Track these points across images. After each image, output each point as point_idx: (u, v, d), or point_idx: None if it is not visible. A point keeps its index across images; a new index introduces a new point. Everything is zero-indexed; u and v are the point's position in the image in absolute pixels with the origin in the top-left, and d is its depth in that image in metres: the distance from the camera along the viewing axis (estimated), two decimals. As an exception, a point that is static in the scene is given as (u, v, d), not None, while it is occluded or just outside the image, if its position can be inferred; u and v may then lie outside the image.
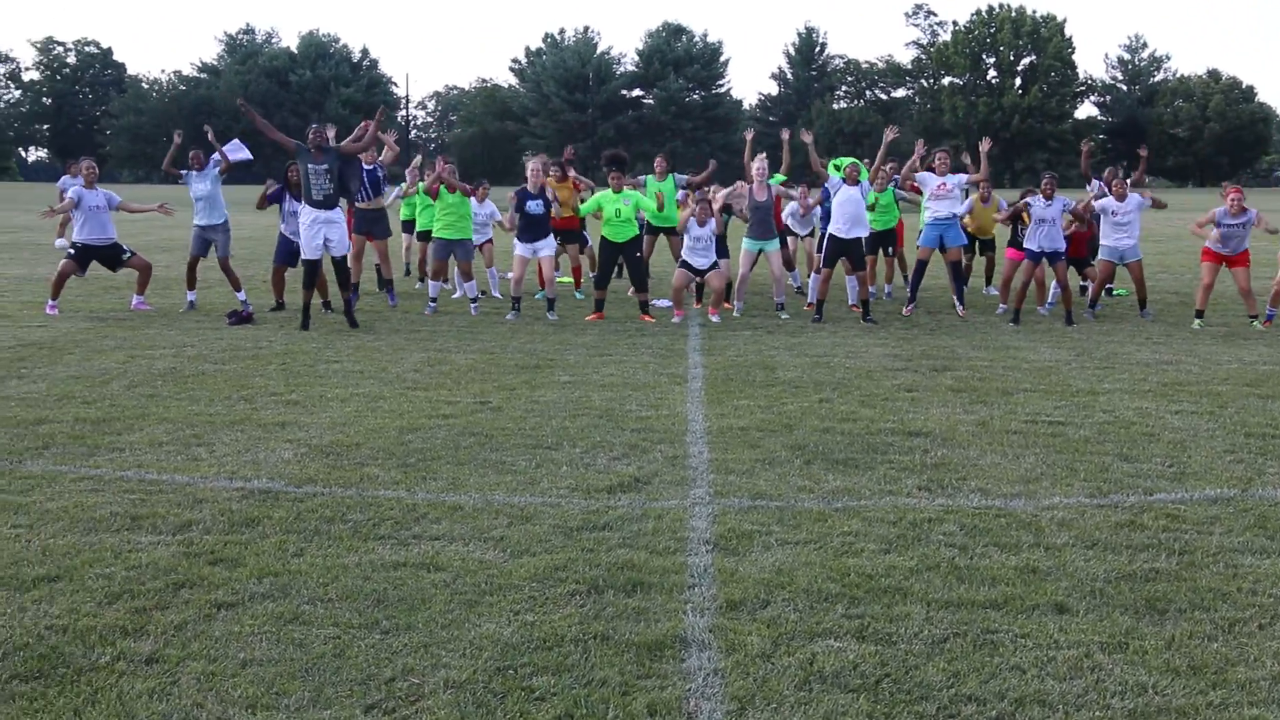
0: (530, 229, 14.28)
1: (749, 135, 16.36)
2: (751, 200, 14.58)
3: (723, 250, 14.72)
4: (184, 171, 14.76)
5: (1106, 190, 15.21)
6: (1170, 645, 4.58)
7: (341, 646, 4.54)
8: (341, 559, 5.50)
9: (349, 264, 13.88)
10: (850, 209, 13.73)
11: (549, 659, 4.45)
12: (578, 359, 11.14)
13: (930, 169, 14.92)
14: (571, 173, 16.43)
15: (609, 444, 7.76)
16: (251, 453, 7.45)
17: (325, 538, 5.81)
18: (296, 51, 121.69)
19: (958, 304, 14.75)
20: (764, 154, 14.85)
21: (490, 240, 16.55)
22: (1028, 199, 14.03)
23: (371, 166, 15.16)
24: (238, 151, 15.05)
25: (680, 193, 15.99)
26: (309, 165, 12.91)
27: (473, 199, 15.20)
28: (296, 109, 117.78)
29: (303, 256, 13.24)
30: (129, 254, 14.39)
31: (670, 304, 14.69)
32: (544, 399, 9.23)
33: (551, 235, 14.67)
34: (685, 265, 14.11)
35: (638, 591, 5.12)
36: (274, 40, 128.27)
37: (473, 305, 14.57)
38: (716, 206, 14.34)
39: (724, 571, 5.36)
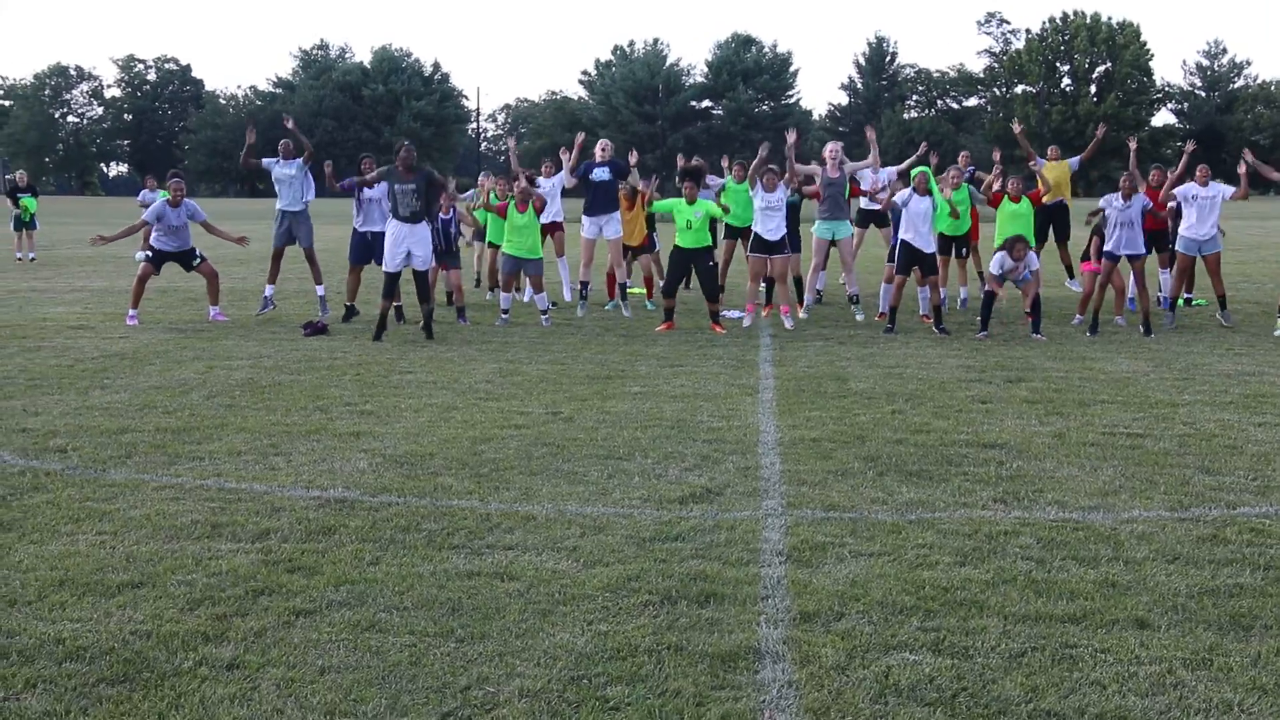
0: (597, 200, 14.35)
1: (791, 136, 16.10)
2: (825, 177, 14.62)
3: (795, 242, 14.68)
4: (266, 161, 15.15)
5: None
6: (1256, 662, 4.48)
7: (418, 655, 4.58)
8: (416, 568, 5.55)
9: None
10: (921, 219, 13.68)
11: (623, 669, 4.46)
12: (649, 370, 11.16)
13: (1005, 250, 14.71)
14: (641, 185, 16.46)
15: (680, 455, 7.76)
16: (327, 462, 7.55)
17: (400, 547, 5.87)
18: (369, 66, 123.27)
19: (1035, 334, 14.34)
20: (838, 141, 14.96)
21: (561, 226, 16.62)
22: (1104, 200, 13.83)
23: (448, 217, 15.24)
24: (310, 190, 15.41)
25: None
26: (396, 185, 13.07)
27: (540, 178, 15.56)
28: (369, 123, 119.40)
29: (385, 268, 13.39)
30: (199, 259, 14.69)
31: (740, 314, 14.67)
32: (615, 410, 9.25)
33: (618, 215, 14.76)
34: (755, 246, 14.07)
35: (711, 603, 5.12)
36: (347, 55, 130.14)
37: (544, 317, 14.64)
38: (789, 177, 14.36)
39: (797, 583, 5.34)
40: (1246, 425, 8.66)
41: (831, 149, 14.73)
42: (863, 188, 15.63)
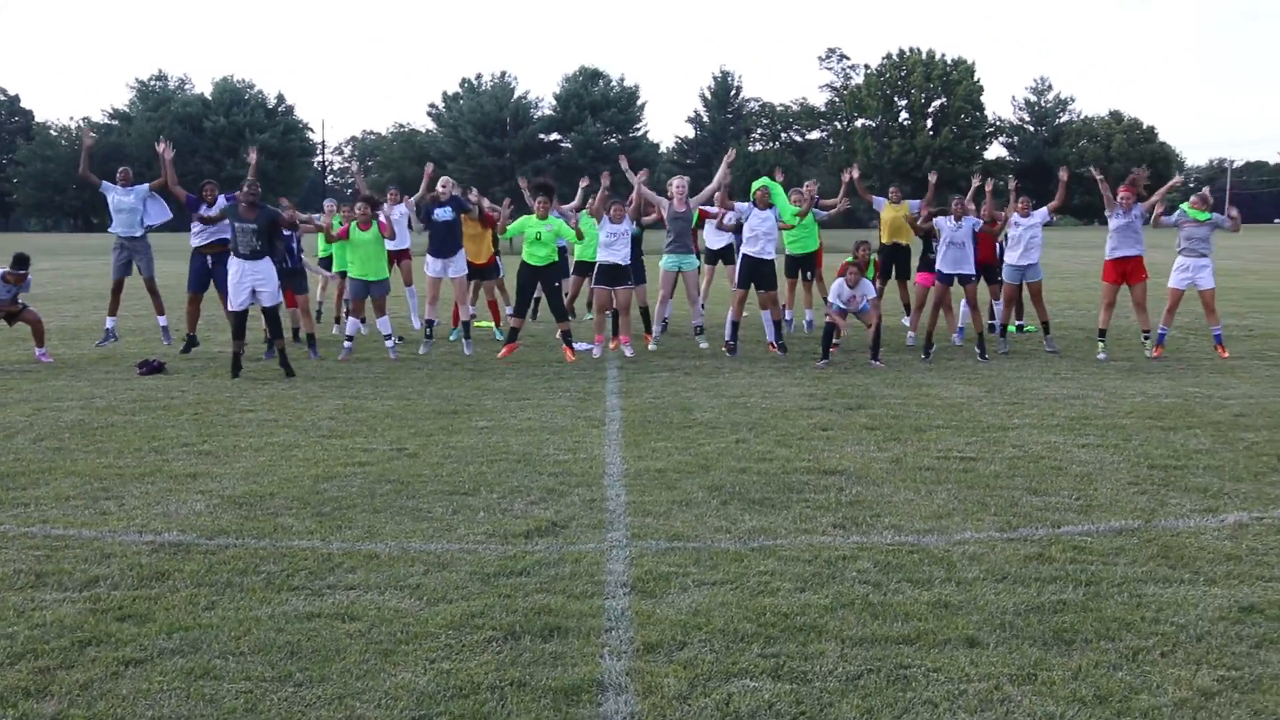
0: (441, 241, 14.32)
1: (624, 162, 16.29)
2: (671, 210, 14.77)
3: (639, 273, 14.87)
4: (104, 185, 14.66)
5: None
6: (1077, 675, 4.67)
7: (253, 701, 4.47)
8: (254, 611, 5.42)
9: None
10: (763, 234, 14.02)
11: (465, 707, 4.42)
12: (495, 404, 11.12)
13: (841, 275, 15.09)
14: (486, 203, 16.43)
15: (526, 489, 7.75)
16: (162, 505, 7.33)
17: (238, 590, 5.73)
18: (210, 98, 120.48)
19: (873, 361, 14.71)
20: (684, 176, 15.16)
21: (408, 253, 16.52)
22: (938, 220, 14.32)
23: (289, 233, 15.01)
24: (161, 214, 14.97)
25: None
26: (237, 223, 12.75)
27: (385, 203, 15.47)
28: (211, 155, 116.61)
29: (230, 308, 13.08)
30: (22, 306, 14.20)
31: (590, 347, 14.74)
32: (461, 444, 9.19)
33: (463, 252, 14.72)
34: (600, 276, 14.22)
35: (555, 636, 5.12)
36: (187, 87, 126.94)
37: (389, 345, 14.49)
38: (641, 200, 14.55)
39: (641, 614, 5.38)
40: (1071, 447, 9.02)
41: (679, 184, 14.93)
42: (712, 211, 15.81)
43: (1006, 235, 15.14)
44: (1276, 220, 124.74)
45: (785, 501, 7.40)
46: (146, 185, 14.77)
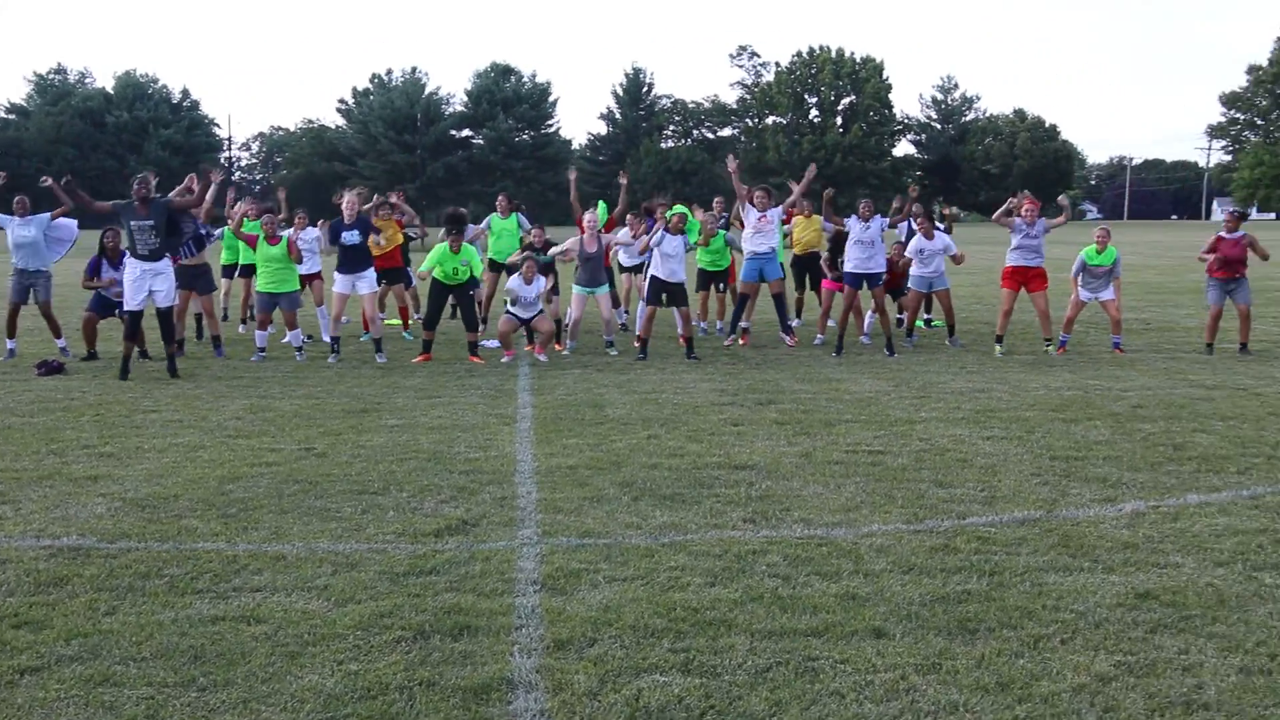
0: (349, 260, 14.13)
1: (572, 175, 16.45)
2: (582, 252, 14.79)
3: (552, 292, 14.91)
4: (1, 218, 14.13)
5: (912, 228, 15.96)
6: (980, 664, 4.75)
7: (155, 707, 4.39)
8: (156, 616, 5.32)
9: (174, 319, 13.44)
10: (674, 258, 14.11)
11: (373, 708, 4.38)
12: (406, 402, 11.03)
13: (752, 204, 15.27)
14: (394, 198, 16.29)
15: (437, 487, 7.70)
16: (61, 509, 7.16)
17: (139, 594, 5.62)
18: (112, 92, 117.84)
19: (785, 336, 15.08)
20: (594, 207, 15.13)
21: (319, 275, 16.34)
22: (848, 218, 14.50)
23: (198, 223, 14.68)
24: (69, 237, 14.45)
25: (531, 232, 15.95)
26: (133, 221, 12.39)
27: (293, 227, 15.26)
28: (113, 151, 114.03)
29: (126, 307, 12.77)
30: None
31: (499, 344, 14.68)
32: (371, 443, 9.10)
33: (371, 269, 14.51)
34: (510, 314, 14.22)
35: (464, 635, 5.09)
36: (88, 81, 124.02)
37: (298, 354, 14.29)
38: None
39: (551, 611, 5.37)
40: (976, 439, 9.17)
41: (590, 219, 14.85)
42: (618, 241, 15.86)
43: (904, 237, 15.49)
44: (1173, 217, 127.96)
45: (696, 497, 7.43)
46: (47, 215, 14.08)
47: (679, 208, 15.19)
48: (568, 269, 15.54)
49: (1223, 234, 14.21)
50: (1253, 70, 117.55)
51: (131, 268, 12.55)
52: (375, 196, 16.22)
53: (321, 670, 4.72)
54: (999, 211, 14.54)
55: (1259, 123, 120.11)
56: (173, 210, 12.82)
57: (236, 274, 17.36)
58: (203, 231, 14.82)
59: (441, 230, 14.18)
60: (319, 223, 16.42)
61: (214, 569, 6.00)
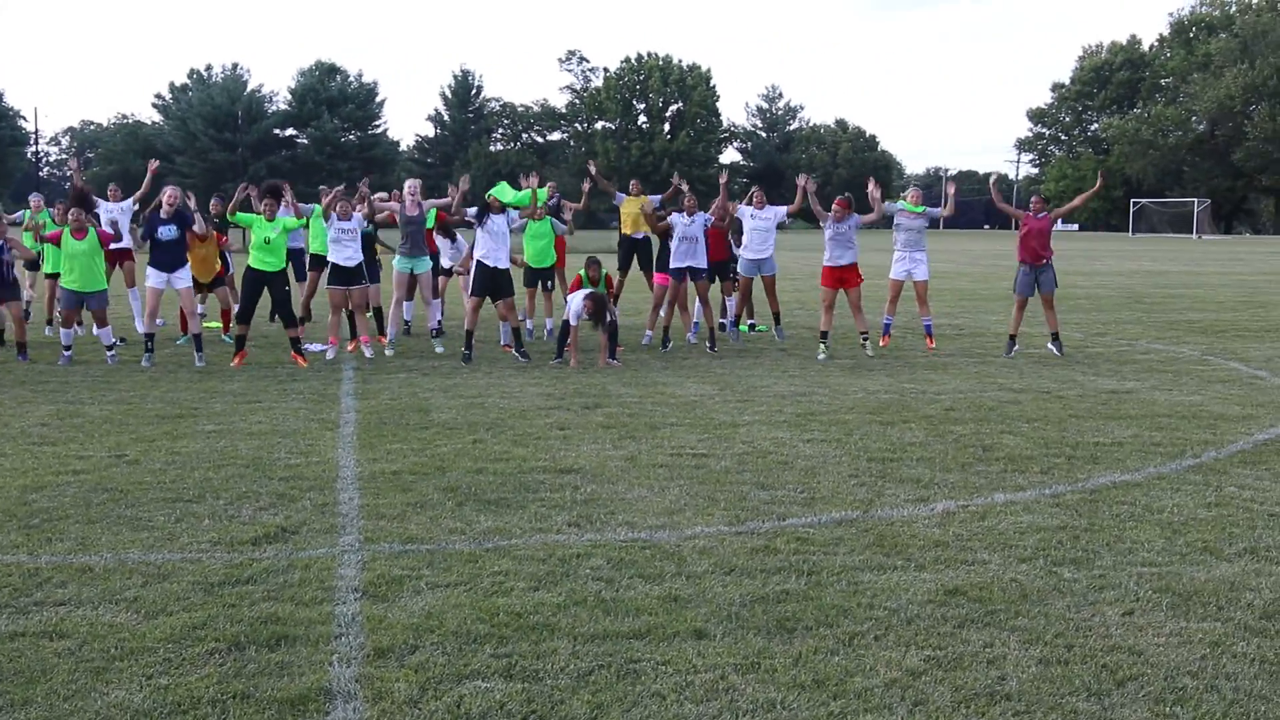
0: (164, 256, 13.68)
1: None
2: (403, 215, 14.59)
3: (373, 273, 14.76)
4: None
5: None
6: (798, 662, 4.86)
7: (-52, 728, 4.18)
8: (-50, 633, 5.06)
9: None
10: (499, 237, 13.94)
11: (184, 723, 4.25)
12: (224, 407, 10.73)
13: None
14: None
15: (255, 494, 7.51)
16: None
17: (-68, 611, 5.33)
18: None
19: (610, 359, 14.91)
20: (417, 180, 15.00)
21: (131, 255, 15.79)
22: (673, 217, 14.70)
23: None
24: None
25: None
26: None
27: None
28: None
29: None
30: None
31: (323, 348, 14.41)
32: (186, 450, 8.83)
33: (188, 265, 14.08)
34: (333, 277, 13.98)
35: (282, 645, 4.98)
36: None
37: (110, 354, 13.77)
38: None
39: (372, 619, 5.29)
40: (797, 442, 9.38)
41: (411, 186, 14.72)
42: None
43: (739, 231, 15.66)
44: (986, 226, 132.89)
45: (521, 501, 7.42)
46: None
47: (499, 186, 14.94)
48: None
49: (1029, 212, 14.88)
50: (1056, 88, 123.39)
51: None
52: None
53: (129, 685, 4.55)
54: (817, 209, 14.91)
55: (1063, 137, 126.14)
56: None
57: (43, 274, 16.61)
58: (5, 259, 14.12)
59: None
60: (136, 208, 15.88)
61: (14, 583, 5.74)
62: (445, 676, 4.68)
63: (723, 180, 15.87)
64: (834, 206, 14.69)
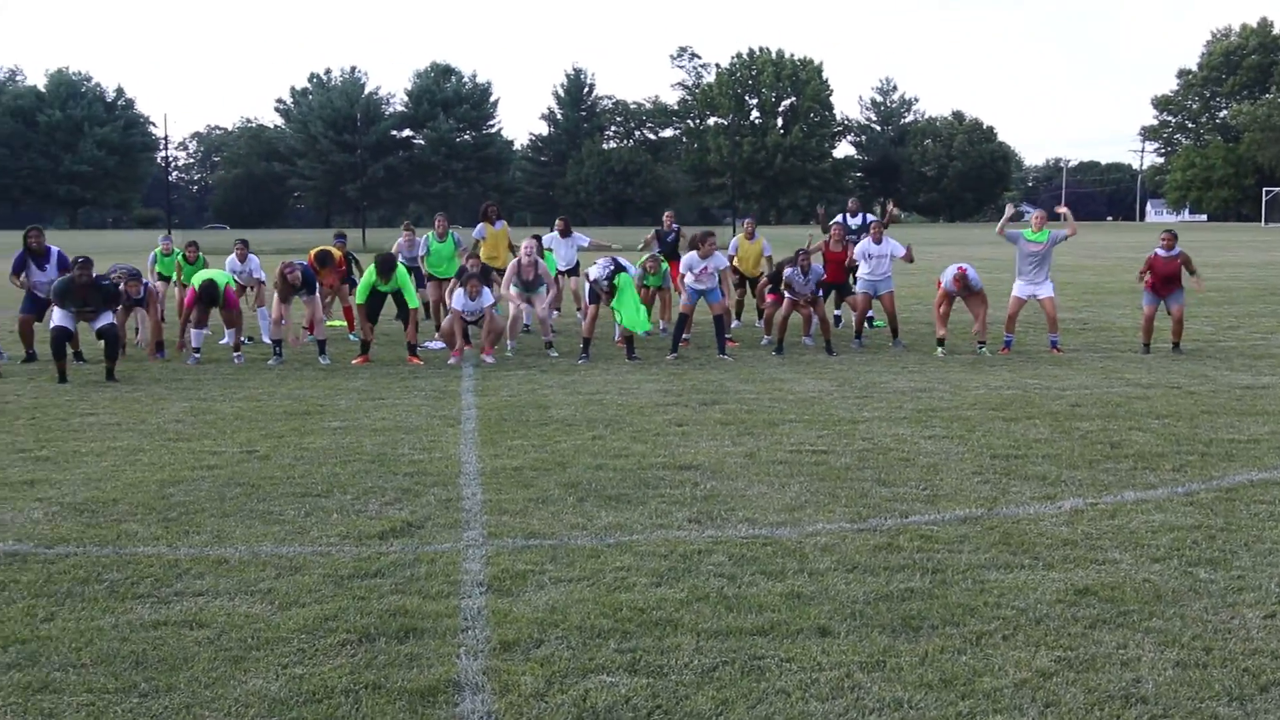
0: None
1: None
2: (520, 280, 15.07)
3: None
4: None
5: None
6: (924, 660, 4.80)
7: (96, 713, 4.33)
8: (96, 621, 5.25)
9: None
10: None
11: (318, 712, 4.35)
12: (349, 404, 10.96)
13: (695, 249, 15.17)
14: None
15: (381, 489, 7.66)
16: (-3, 514, 7.05)
17: (79, 600, 5.54)
18: (45, 90, 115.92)
19: (720, 354, 14.87)
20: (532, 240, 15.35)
21: (262, 281, 16.28)
22: (788, 272, 14.67)
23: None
24: None
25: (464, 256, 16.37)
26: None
27: (232, 255, 15.44)
28: (46, 150, 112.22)
29: (52, 323, 12.59)
30: None
31: (443, 346, 14.63)
32: (314, 446, 9.04)
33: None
34: (455, 312, 14.19)
35: (410, 638, 5.07)
36: (18, 78, 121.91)
37: (236, 356, 14.20)
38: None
39: (497, 613, 5.36)
40: (918, 438, 9.27)
41: (528, 247, 15.09)
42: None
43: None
44: (1109, 218, 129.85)
45: (641, 497, 7.45)
46: None
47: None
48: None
49: (1159, 251, 14.43)
50: (1183, 74, 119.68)
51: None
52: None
53: (266, 674, 4.68)
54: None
55: (1189, 125, 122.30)
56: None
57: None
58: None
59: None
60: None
61: (155, 573, 5.93)
62: (570, 670, 4.72)
63: (890, 211, 16.09)
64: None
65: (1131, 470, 8.16)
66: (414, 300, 14.19)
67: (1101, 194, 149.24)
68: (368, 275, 14.06)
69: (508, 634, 5.09)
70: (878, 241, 15.51)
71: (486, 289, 14.08)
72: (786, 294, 14.75)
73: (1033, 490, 7.60)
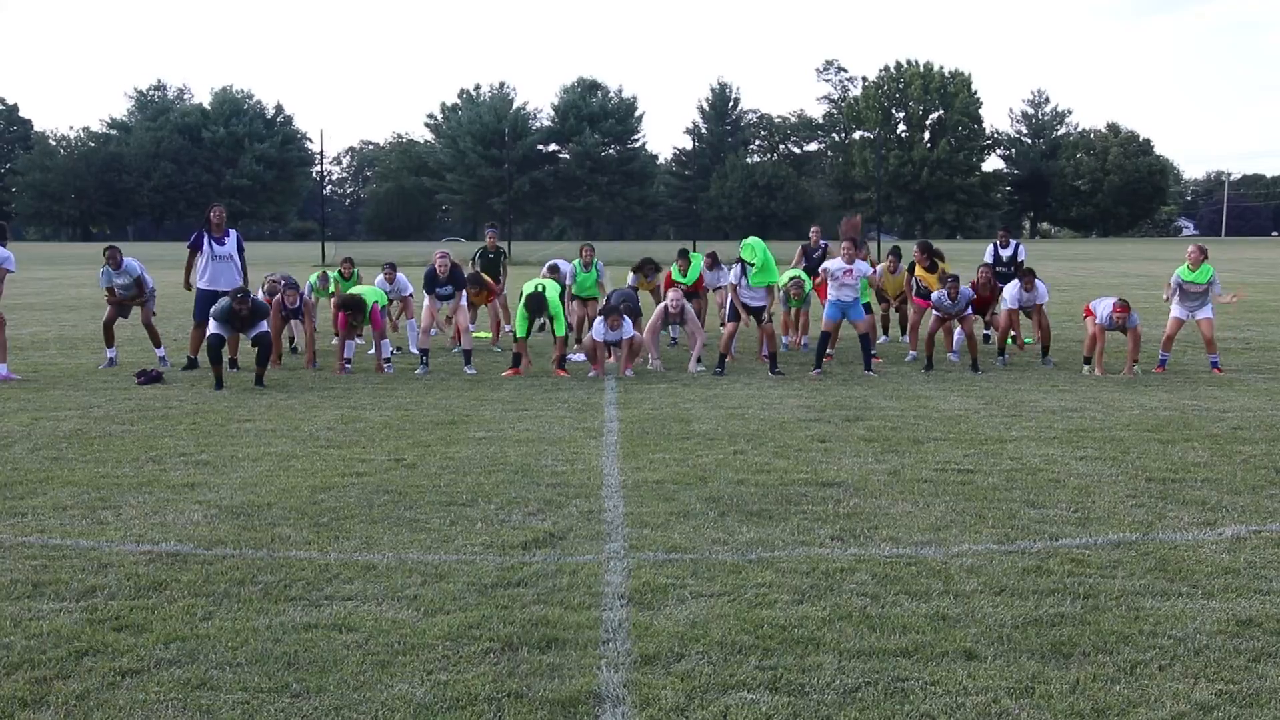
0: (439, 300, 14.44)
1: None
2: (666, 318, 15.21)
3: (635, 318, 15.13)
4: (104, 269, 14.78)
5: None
6: (1075, 689, 4.66)
7: (250, 712, 4.47)
8: (251, 622, 5.42)
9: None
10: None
11: (462, 718, 4.42)
12: (494, 414, 11.12)
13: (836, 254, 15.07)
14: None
15: (524, 499, 7.75)
16: (159, 515, 7.33)
17: (235, 600, 5.72)
18: (210, 107, 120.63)
19: (867, 370, 14.71)
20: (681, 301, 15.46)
21: (410, 296, 16.65)
22: (936, 295, 14.59)
23: None
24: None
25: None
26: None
27: (380, 277, 15.92)
28: (210, 165, 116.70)
29: (210, 330, 13.06)
30: None
31: (586, 358, 14.76)
32: (459, 455, 9.19)
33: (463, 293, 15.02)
34: (596, 336, 14.31)
35: (552, 648, 5.11)
36: (186, 97, 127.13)
37: (386, 365, 14.53)
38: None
39: (638, 626, 5.37)
40: (1069, 459, 9.02)
41: (673, 299, 15.12)
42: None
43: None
44: (1274, 234, 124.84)
45: (783, 513, 7.39)
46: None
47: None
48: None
49: None
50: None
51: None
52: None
53: (411, 680, 4.76)
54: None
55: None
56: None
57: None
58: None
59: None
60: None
61: (306, 577, 6.10)
62: (711, 686, 4.70)
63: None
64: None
65: (1298, 497, 7.81)
66: (562, 328, 14.29)
67: (1267, 208, 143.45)
68: (521, 315, 14.15)
69: (648, 647, 5.10)
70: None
71: (628, 319, 14.16)
72: (934, 311, 14.57)
73: (1191, 515, 7.33)
